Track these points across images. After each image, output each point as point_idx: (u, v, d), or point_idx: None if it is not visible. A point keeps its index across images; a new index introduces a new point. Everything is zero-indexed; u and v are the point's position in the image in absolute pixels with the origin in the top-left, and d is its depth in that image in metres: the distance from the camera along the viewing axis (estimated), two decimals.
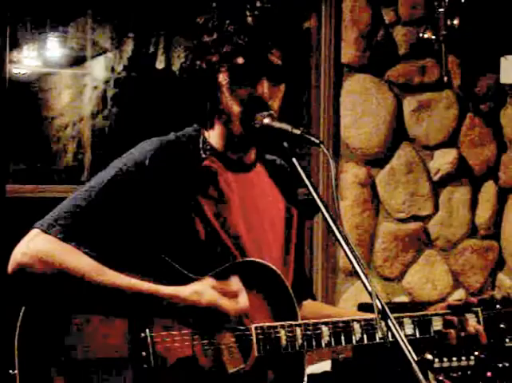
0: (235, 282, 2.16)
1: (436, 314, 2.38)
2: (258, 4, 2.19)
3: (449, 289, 4.80)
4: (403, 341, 1.80)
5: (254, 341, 2.15)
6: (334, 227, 1.94)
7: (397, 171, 4.69)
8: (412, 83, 4.69)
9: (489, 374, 3.30)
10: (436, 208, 4.79)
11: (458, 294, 4.81)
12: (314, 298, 2.57)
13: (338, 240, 1.93)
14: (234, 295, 2.15)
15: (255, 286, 2.21)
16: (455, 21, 4.46)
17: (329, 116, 4.56)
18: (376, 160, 4.66)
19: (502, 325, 2.43)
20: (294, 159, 2.06)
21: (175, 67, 4.59)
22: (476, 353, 3.24)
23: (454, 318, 2.36)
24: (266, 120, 2.14)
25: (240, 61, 2.17)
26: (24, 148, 4.29)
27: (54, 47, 4.47)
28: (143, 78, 4.61)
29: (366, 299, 1.95)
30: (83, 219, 2.13)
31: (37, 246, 2.11)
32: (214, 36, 2.19)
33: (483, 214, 4.88)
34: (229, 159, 2.27)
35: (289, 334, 2.17)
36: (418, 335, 2.33)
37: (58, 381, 2.09)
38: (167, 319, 2.13)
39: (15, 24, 4.03)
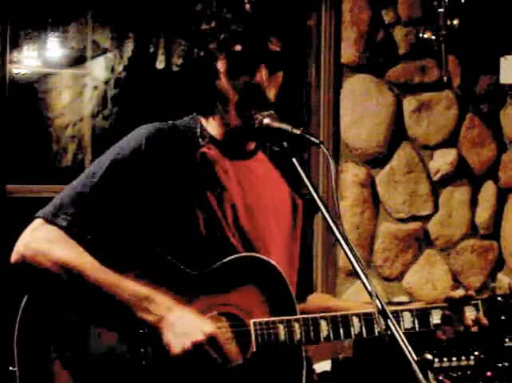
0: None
1: (435, 307, 2.38)
2: None
3: (449, 289, 4.80)
4: (403, 340, 1.80)
5: (253, 335, 2.15)
6: (334, 227, 1.94)
7: (397, 171, 4.69)
8: (412, 83, 4.69)
9: (489, 374, 3.30)
10: (436, 208, 4.79)
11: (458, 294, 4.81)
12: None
13: (338, 240, 1.93)
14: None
15: (253, 281, 2.21)
16: (455, 21, 4.46)
17: (329, 116, 4.56)
18: (376, 160, 4.66)
19: (502, 317, 2.43)
20: (294, 159, 2.07)
21: (175, 67, 4.59)
22: (476, 353, 3.25)
23: (453, 313, 2.36)
24: (266, 120, 2.14)
25: (238, 48, 2.17)
26: (24, 148, 4.29)
27: (54, 47, 4.47)
28: (143, 78, 4.61)
29: (366, 299, 1.95)
30: (85, 206, 2.14)
31: (40, 238, 2.12)
32: (213, 24, 2.19)
33: (483, 214, 4.88)
34: (227, 147, 2.27)
35: (288, 329, 2.18)
36: (417, 328, 2.33)
37: (59, 375, 2.10)
38: None
39: (15, 24, 4.03)
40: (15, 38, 4.14)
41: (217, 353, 2.10)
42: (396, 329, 1.81)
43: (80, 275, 2.12)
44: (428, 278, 4.76)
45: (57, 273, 2.12)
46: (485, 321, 2.36)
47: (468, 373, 3.29)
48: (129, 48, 4.61)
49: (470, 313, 2.38)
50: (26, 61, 4.39)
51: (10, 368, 2.13)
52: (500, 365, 3.30)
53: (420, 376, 1.75)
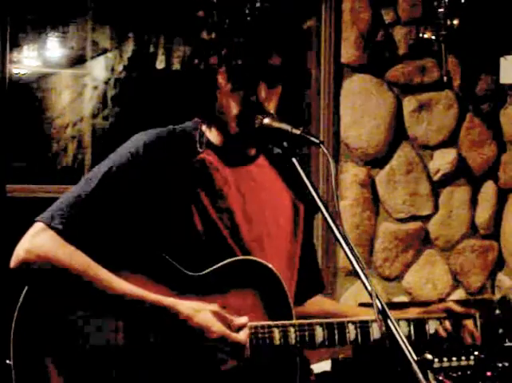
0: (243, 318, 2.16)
1: (433, 318, 2.38)
2: (258, 4, 2.19)
3: (449, 289, 4.80)
4: (403, 341, 1.80)
5: (248, 339, 2.15)
6: (334, 227, 1.94)
7: (397, 171, 4.69)
8: (412, 83, 4.69)
9: (489, 374, 3.30)
10: (436, 208, 4.79)
11: (458, 294, 4.81)
12: (322, 293, 2.56)
13: (338, 240, 1.93)
14: (235, 326, 2.14)
15: (251, 285, 2.21)
16: (455, 21, 4.46)
17: (329, 116, 4.56)
18: (376, 160, 4.66)
19: (500, 331, 2.43)
20: (294, 159, 2.07)
21: (175, 67, 4.59)
22: (476, 353, 3.24)
23: (450, 327, 2.36)
24: (266, 120, 2.14)
25: (238, 62, 2.17)
26: (24, 148, 4.29)
27: (54, 47, 4.47)
28: (143, 78, 4.61)
29: (366, 299, 1.95)
30: (82, 210, 2.15)
31: (39, 243, 2.13)
32: (213, 35, 2.19)
33: (483, 214, 4.88)
34: (226, 153, 2.27)
35: (283, 334, 2.17)
36: (413, 338, 2.33)
37: (53, 374, 2.11)
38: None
39: (15, 24, 4.03)
40: (15, 38, 4.14)
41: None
42: (396, 329, 1.81)
43: (80, 278, 2.12)
44: (428, 278, 4.76)
45: (57, 276, 2.12)
46: (479, 340, 2.37)
47: (468, 373, 3.28)
48: (129, 48, 4.60)
49: (468, 325, 2.39)
50: (26, 61, 4.39)
51: (7, 361, 2.14)
52: (500, 365, 3.30)
53: (420, 376, 1.75)
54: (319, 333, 2.21)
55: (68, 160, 4.52)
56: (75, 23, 4.47)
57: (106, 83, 4.60)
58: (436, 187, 4.79)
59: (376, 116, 4.62)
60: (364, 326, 2.25)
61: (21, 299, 2.15)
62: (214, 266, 2.19)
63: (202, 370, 2.14)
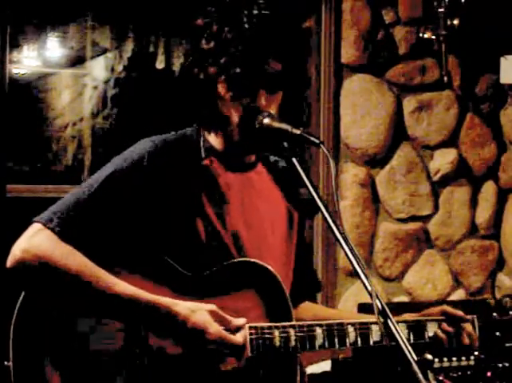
0: (240, 320, 2.16)
1: (432, 320, 2.38)
2: (256, 12, 2.19)
3: (449, 289, 4.80)
4: (403, 341, 1.80)
5: (248, 340, 2.15)
6: (334, 227, 1.94)
7: (397, 171, 4.69)
8: (412, 83, 4.69)
9: (489, 374, 3.30)
10: (436, 208, 4.79)
11: (458, 294, 4.81)
12: (315, 300, 2.57)
13: (338, 240, 1.93)
14: (233, 326, 2.14)
15: (250, 286, 2.21)
16: (455, 21, 4.46)
17: (329, 116, 4.56)
18: (376, 160, 4.66)
19: (497, 334, 2.43)
20: (294, 159, 2.07)
21: (175, 67, 4.59)
22: (476, 353, 3.24)
23: (451, 329, 2.36)
24: (266, 120, 2.15)
25: (237, 71, 2.17)
26: (24, 148, 4.29)
27: (54, 47, 4.47)
28: (143, 78, 4.60)
29: (366, 299, 1.95)
30: (80, 213, 2.14)
31: (37, 243, 2.13)
32: (212, 44, 2.19)
33: (483, 214, 4.88)
34: (228, 159, 2.27)
35: (283, 335, 2.17)
36: (412, 340, 2.33)
37: (52, 373, 2.11)
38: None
39: (15, 24, 4.03)
40: (15, 38, 4.14)
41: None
42: (396, 329, 1.81)
43: (76, 278, 2.12)
44: (428, 278, 4.76)
45: (54, 276, 2.12)
46: (477, 342, 2.37)
47: (468, 373, 3.28)
48: (129, 48, 4.60)
49: (467, 328, 2.39)
50: (26, 60, 4.39)
51: (5, 363, 2.14)
52: (500, 365, 3.30)
53: (420, 376, 1.75)
54: (319, 335, 2.21)
55: (68, 160, 4.51)
56: (75, 23, 4.47)
57: (106, 83, 4.60)
58: (436, 187, 4.79)
59: (376, 116, 4.62)
60: (363, 329, 2.25)
61: (19, 300, 2.14)
62: (215, 268, 2.18)
63: (202, 371, 2.14)
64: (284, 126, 2.11)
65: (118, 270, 2.15)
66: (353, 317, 2.40)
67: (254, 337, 2.15)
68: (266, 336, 2.16)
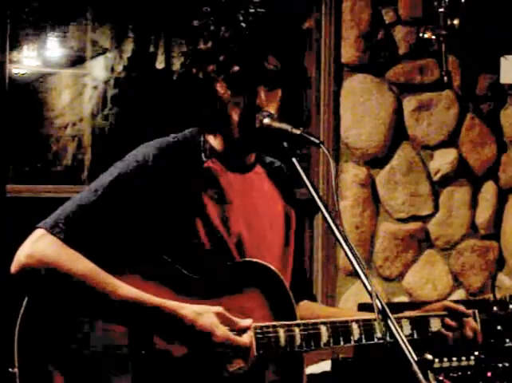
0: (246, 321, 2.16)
1: (434, 316, 2.39)
2: (252, 10, 2.19)
3: (449, 289, 4.80)
4: (403, 341, 1.80)
5: (254, 340, 2.15)
6: (334, 227, 1.94)
7: (397, 171, 4.69)
8: (412, 83, 4.69)
9: (489, 374, 3.30)
10: (436, 208, 4.79)
11: (459, 295, 4.81)
12: (314, 299, 2.57)
13: (338, 240, 1.93)
14: (239, 328, 2.14)
15: (253, 286, 2.22)
16: (455, 21, 4.46)
17: (329, 116, 4.56)
18: (376, 160, 4.66)
19: (498, 328, 2.44)
20: (294, 159, 2.07)
21: (175, 67, 4.59)
22: (476, 353, 3.24)
23: (453, 323, 2.37)
24: (266, 120, 2.15)
25: (236, 69, 2.17)
26: (24, 148, 4.28)
27: (54, 47, 4.47)
28: (143, 78, 4.60)
29: (366, 299, 1.95)
30: (86, 219, 2.13)
31: (41, 248, 2.11)
32: (210, 44, 2.19)
33: (483, 214, 4.88)
34: (229, 160, 2.27)
35: (288, 334, 2.18)
36: (416, 336, 2.34)
37: (57, 378, 2.10)
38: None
39: (15, 24, 4.03)
40: (15, 38, 4.14)
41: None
42: (397, 329, 1.81)
43: (81, 282, 2.11)
44: (428, 279, 4.76)
45: (59, 281, 2.11)
46: (480, 335, 2.38)
47: (468, 373, 3.28)
48: (129, 48, 4.60)
49: (470, 322, 2.40)
50: (26, 60, 4.38)
51: (10, 369, 2.13)
52: (500, 365, 3.30)
53: (421, 376, 1.75)
54: (324, 333, 2.21)
55: (68, 160, 4.51)
56: (75, 23, 4.47)
57: (106, 83, 4.60)
58: (436, 187, 4.79)
59: (376, 116, 4.62)
60: (367, 325, 2.26)
61: (23, 306, 2.13)
62: (217, 269, 2.19)
63: (208, 371, 2.14)
64: (284, 126, 2.11)
65: (121, 272, 2.14)
66: (353, 315, 2.40)
67: (259, 336, 2.15)
68: (271, 335, 2.16)
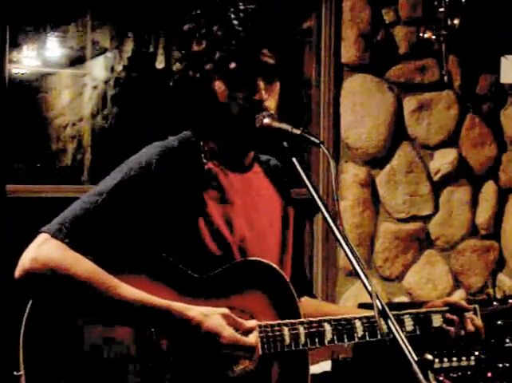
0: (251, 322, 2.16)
1: (436, 311, 2.40)
2: (242, 7, 2.19)
3: (449, 289, 4.80)
4: (403, 341, 1.80)
5: (259, 339, 2.15)
6: (334, 227, 1.94)
7: (397, 171, 4.69)
8: (412, 83, 4.69)
9: (489, 374, 3.30)
10: (436, 208, 4.79)
11: (459, 294, 4.81)
12: (314, 297, 2.57)
13: (338, 240, 1.93)
14: (244, 329, 2.14)
15: (257, 285, 2.22)
16: (455, 21, 4.46)
17: (329, 116, 4.56)
18: (376, 160, 4.66)
19: (499, 322, 2.45)
20: (294, 159, 2.07)
21: (175, 67, 4.59)
22: (476, 353, 3.24)
23: (455, 317, 2.38)
24: (266, 120, 2.14)
25: (233, 65, 2.17)
26: (24, 148, 4.29)
27: (54, 47, 4.47)
28: (143, 78, 4.61)
29: (366, 299, 1.95)
30: (90, 223, 2.13)
31: (46, 252, 2.10)
32: (204, 44, 2.19)
33: (483, 214, 4.88)
34: (229, 161, 2.27)
35: (293, 332, 2.18)
36: (418, 332, 2.36)
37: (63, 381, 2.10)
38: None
39: (15, 24, 4.03)
40: (15, 38, 4.14)
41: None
42: (397, 330, 1.81)
43: (86, 285, 2.11)
44: (429, 279, 4.76)
45: (64, 285, 2.11)
46: (482, 331, 2.39)
47: (468, 373, 3.28)
48: (129, 48, 4.61)
49: (472, 317, 2.41)
50: (26, 60, 4.39)
51: (14, 373, 2.12)
52: (500, 365, 3.30)
53: (421, 376, 1.75)
54: (328, 331, 2.22)
55: (67, 160, 4.51)
56: (75, 23, 4.48)
57: (106, 83, 4.60)
58: (436, 187, 4.78)
59: (376, 116, 4.62)
60: (370, 322, 2.26)
61: (27, 309, 2.12)
62: (220, 269, 2.19)
63: (214, 371, 2.14)
64: (284, 126, 2.11)
65: (125, 274, 2.14)
66: (354, 312, 2.40)
67: (263, 335, 2.15)
68: (276, 334, 2.17)
